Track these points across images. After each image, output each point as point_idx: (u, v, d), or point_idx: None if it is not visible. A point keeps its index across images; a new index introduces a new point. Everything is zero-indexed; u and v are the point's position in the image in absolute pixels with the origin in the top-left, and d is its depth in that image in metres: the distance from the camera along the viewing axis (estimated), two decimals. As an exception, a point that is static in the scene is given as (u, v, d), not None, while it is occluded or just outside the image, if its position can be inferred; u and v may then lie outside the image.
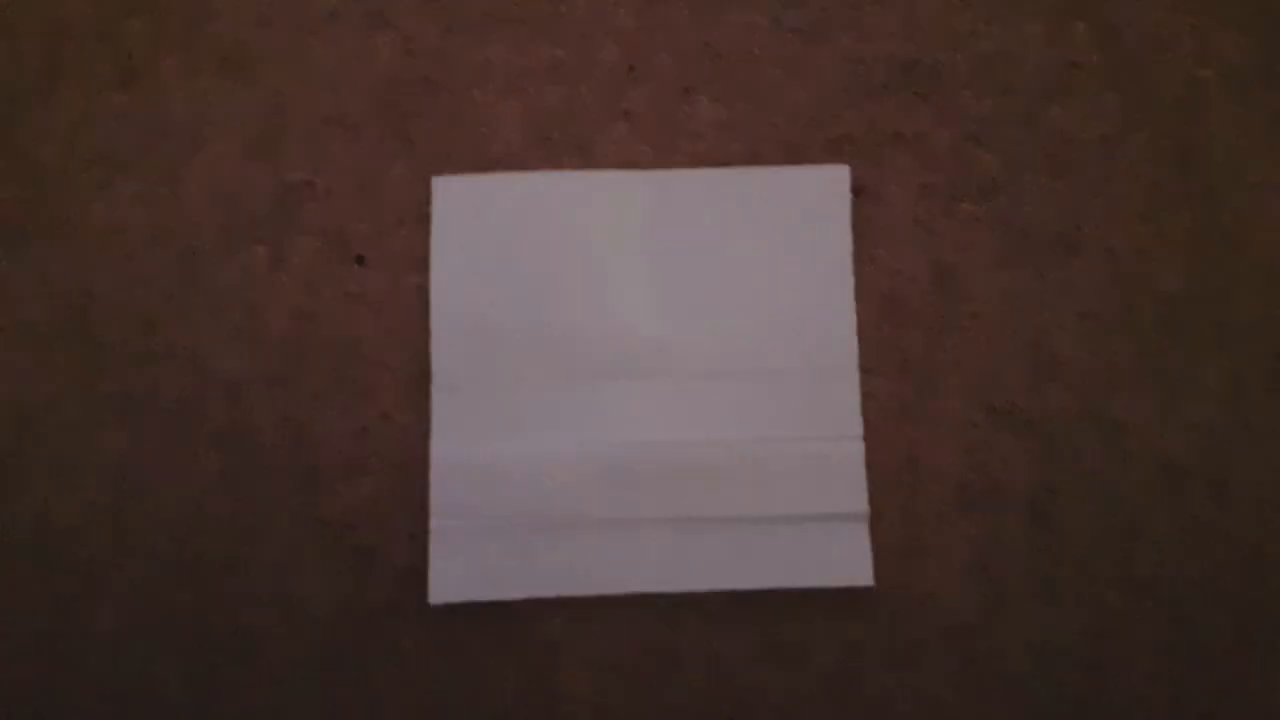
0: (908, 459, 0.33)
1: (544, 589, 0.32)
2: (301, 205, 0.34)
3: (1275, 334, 0.34)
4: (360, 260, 0.34)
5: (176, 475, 0.33)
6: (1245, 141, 0.35)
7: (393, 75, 0.35)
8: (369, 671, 0.33)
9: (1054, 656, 0.33)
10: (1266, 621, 0.33)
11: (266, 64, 0.35)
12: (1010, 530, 0.33)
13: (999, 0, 0.35)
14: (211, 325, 0.34)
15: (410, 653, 0.33)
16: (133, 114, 0.35)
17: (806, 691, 0.33)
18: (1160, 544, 0.33)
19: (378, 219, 0.34)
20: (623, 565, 0.33)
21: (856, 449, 0.33)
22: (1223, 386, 0.34)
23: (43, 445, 0.33)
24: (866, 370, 0.34)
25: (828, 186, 0.34)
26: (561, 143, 0.35)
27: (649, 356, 0.34)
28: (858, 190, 0.34)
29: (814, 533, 0.33)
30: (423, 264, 0.34)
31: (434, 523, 0.33)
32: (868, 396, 0.34)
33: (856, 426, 0.33)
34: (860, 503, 0.33)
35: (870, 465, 0.33)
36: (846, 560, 0.33)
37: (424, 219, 0.34)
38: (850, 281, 0.34)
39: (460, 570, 0.32)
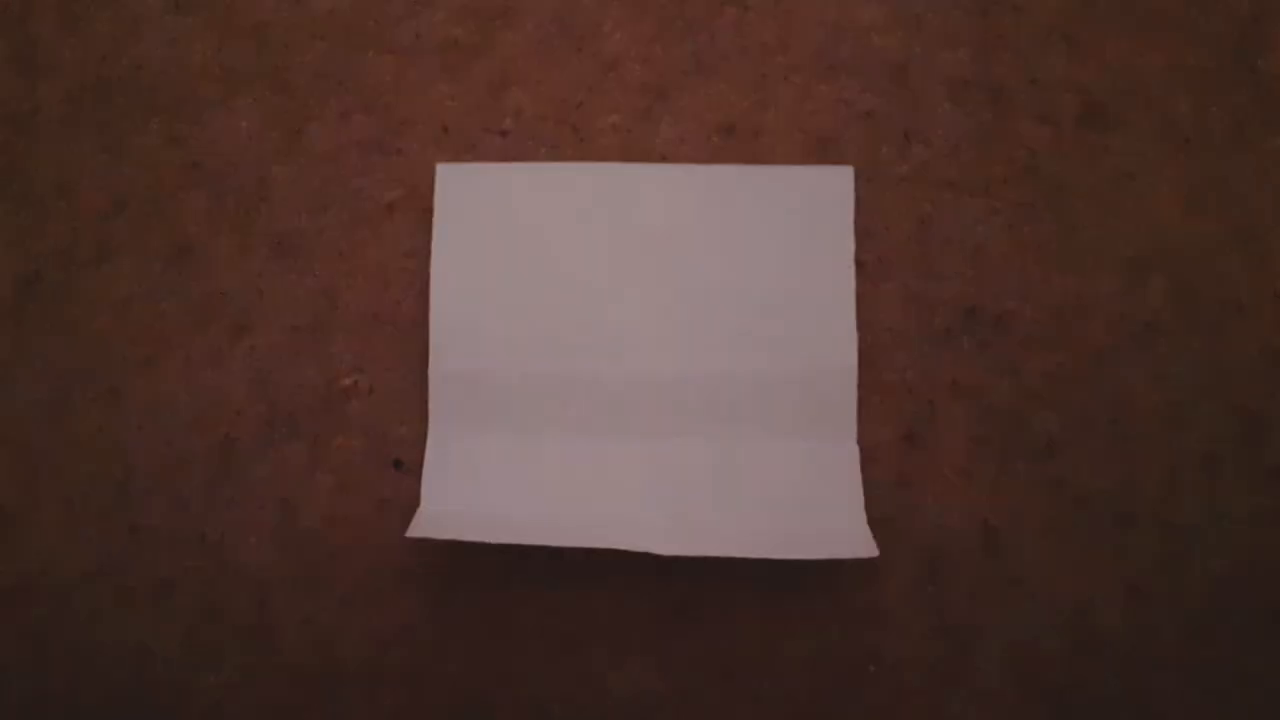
0: (934, 722, 0.33)
1: (531, 538, 0.32)
2: (345, 403, 0.34)
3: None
4: (398, 465, 0.34)
5: (197, 668, 0.33)
6: (1319, 421, 0.33)
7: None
8: None
9: None
10: None
11: (319, 252, 0.34)
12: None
13: (1073, 248, 0.34)
14: (243, 518, 0.34)
15: None
16: (183, 291, 0.35)
17: None
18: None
19: (419, 424, 0.34)
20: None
21: (851, 450, 0.33)
22: (1275, 682, 0.33)
23: (69, 625, 0.34)
24: (900, 626, 0.33)
25: (831, 186, 0.34)
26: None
27: (647, 350, 0.33)
28: (907, 437, 0.34)
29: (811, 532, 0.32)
30: (460, 474, 0.34)
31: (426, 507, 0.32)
32: (900, 656, 0.33)
33: (851, 429, 0.33)
34: (858, 511, 0.32)
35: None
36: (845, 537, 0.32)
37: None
38: (852, 283, 0.34)
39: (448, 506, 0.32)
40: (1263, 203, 0.34)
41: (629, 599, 0.33)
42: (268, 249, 0.35)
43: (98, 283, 0.35)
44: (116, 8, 0.35)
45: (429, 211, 0.35)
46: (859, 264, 0.34)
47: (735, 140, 0.35)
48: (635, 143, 0.35)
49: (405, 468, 0.34)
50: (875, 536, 0.33)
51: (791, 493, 0.33)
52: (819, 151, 0.34)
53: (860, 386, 0.34)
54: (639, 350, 0.34)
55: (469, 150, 0.35)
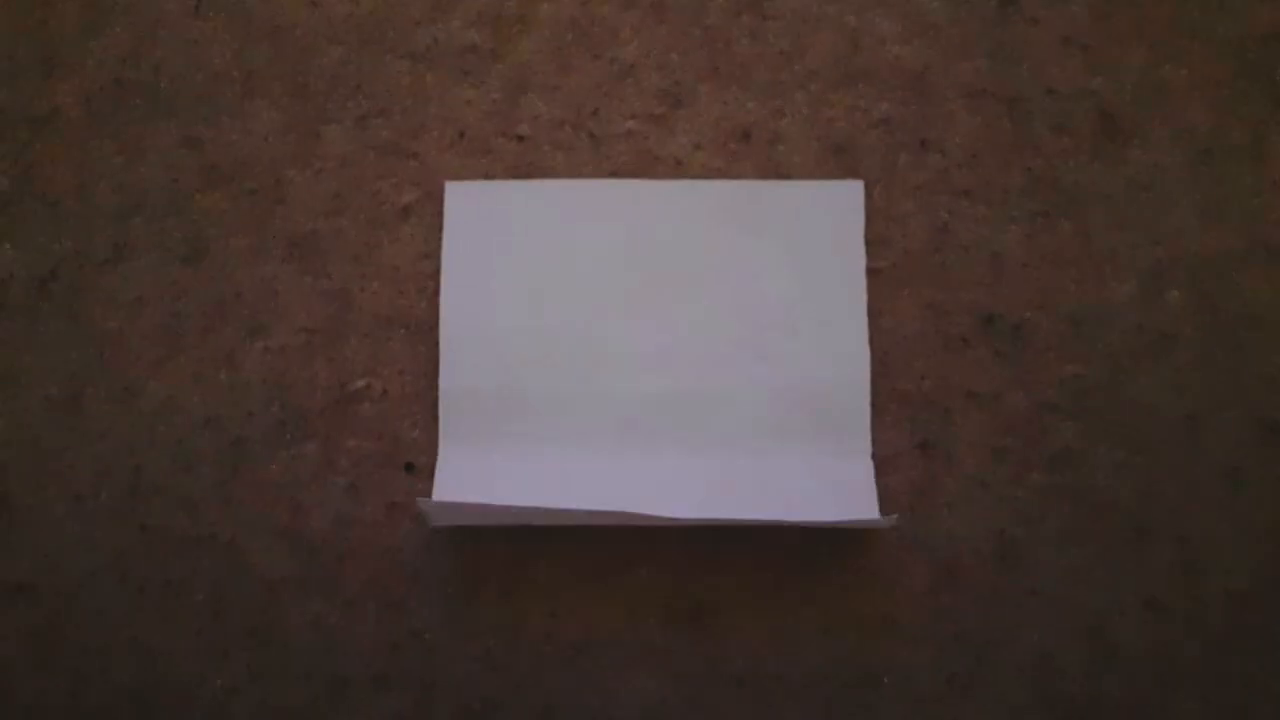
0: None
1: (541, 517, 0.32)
2: (357, 405, 0.34)
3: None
4: (409, 468, 0.34)
5: (205, 669, 0.33)
6: (1339, 434, 0.33)
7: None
8: None
9: None
10: None
11: (334, 255, 0.34)
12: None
13: (1091, 257, 0.34)
14: (254, 519, 0.34)
15: None
16: (197, 291, 0.34)
17: None
18: None
19: (431, 427, 0.34)
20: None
21: (866, 466, 0.33)
22: (1290, 698, 0.32)
23: (78, 623, 0.33)
24: (917, 638, 0.33)
25: (842, 200, 0.34)
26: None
27: (658, 365, 0.33)
28: (923, 446, 0.34)
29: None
30: (471, 477, 0.34)
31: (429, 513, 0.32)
32: (915, 666, 0.33)
33: (866, 444, 0.33)
34: (872, 509, 0.32)
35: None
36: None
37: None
38: (864, 297, 0.34)
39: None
40: (1281, 215, 0.34)
41: (639, 607, 0.33)
42: (283, 251, 0.35)
43: (113, 282, 0.35)
44: (136, 11, 0.36)
45: (444, 216, 0.35)
46: (875, 272, 0.34)
47: (751, 146, 0.35)
48: (651, 149, 0.35)
49: (417, 470, 0.34)
50: (890, 545, 0.32)
51: (805, 499, 0.32)
52: (835, 158, 0.34)
53: (876, 394, 0.33)
54: (650, 365, 0.33)
55: (485, 155, 0.35)
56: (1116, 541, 0.33)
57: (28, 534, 0.34)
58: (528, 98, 0.35)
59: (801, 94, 0.35)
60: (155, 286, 0.35)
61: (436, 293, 0.34)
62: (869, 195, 0.34)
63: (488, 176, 0.35)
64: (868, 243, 0.34)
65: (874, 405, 0.33)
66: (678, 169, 0.35)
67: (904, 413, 0.33)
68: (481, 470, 0.33)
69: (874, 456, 0.33)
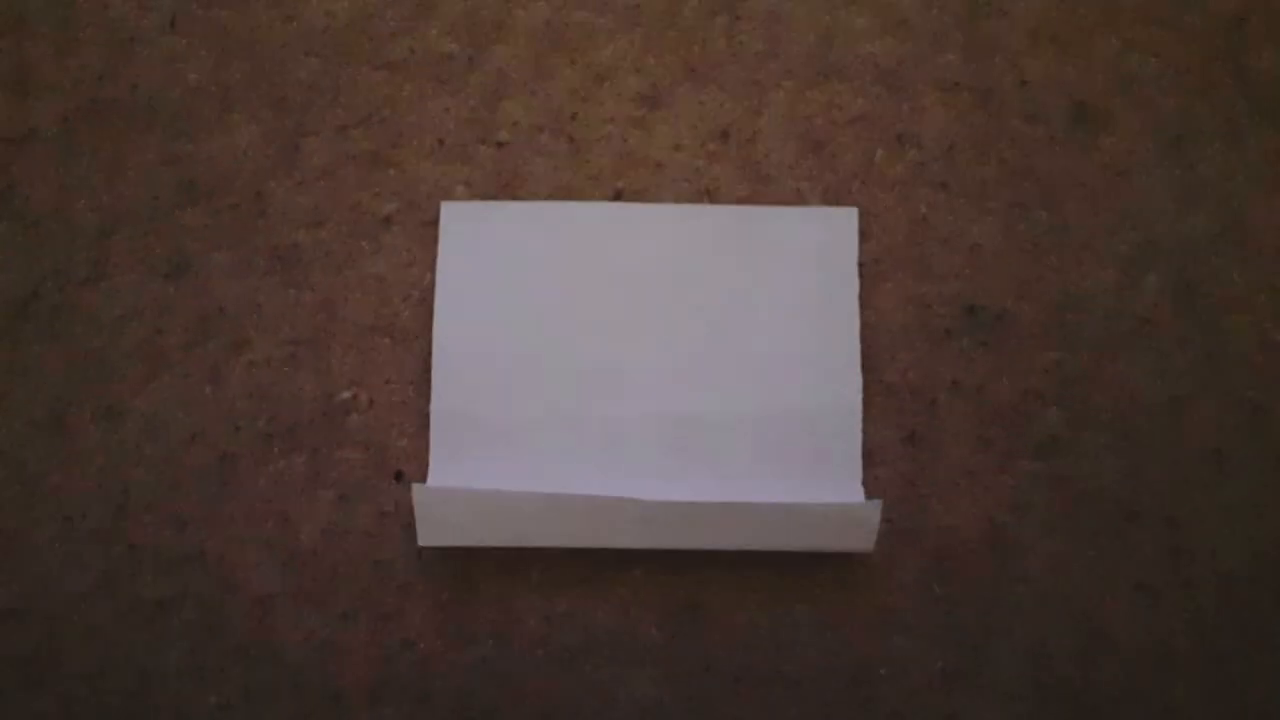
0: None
1: (536, 540, 0.32)
2: (344, 416, 0.34)
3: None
4: (399, 477, 0.34)
5: (199, 687, 0.33)
6: (1320, 412, 0.33)
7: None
8: None
9: None
10: None
11: (317, 266, 0.34)
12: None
13: (1069, 246, 0.34)
14: (243, 534, 0.33)
15: None
16: (180, 307, 0.34)
17: None
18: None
19: (420, 435, 0.34)
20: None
21: (856, 488, 0.33)
22: (1282, 676, 0.32)
23: (69, 645, 0.33)
24: (911, 630, 0.33)
25: (835, 227, 0.34)
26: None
27: (648, 391, 0.33)
28: (910, 437, 0.34)
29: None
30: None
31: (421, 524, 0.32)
32: (910, 658, 0.33)
33: (856, 471, 0.33)
34: (868, 542, 0.32)
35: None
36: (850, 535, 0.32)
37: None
38: (856, 323, 0.34)
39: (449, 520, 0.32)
40: (1254, 198, 0.35)
41: (634, 608, 0.33)
42: (265, 264, 0.34)
43: (94, 301, 0.34)
44: (111, 29, 0.36)
45: (427, 224, 0.35)
46: (858, 265, 0.34)
47: (730, 146, 0.35)
48: (631, 151, 0.35)
49: (406, 479, 0.34)
50: (881, 537, 0.33)
51: (795, 526, 0.32)
52: (813, 155, 0.35)
53: (863, 386, 0.33)
54: (641, 389, 0.33)
55: (465, 162, 0.35)
56: (1105, 527, 0.33)
57: (16, 557, 0.33)
58: (506, 104, 0.35)
59: (778, 92, 0.35)
60: (137, 304, 0.34)
61: (421, 301, 0.34)
62: (847, 190, 0.35)
63: (468, 184, 0.35)
64: (848, 238, 0.34)
65: (862, 397, 0.34)
66: (658, 170, 0.35)
67: (890, 405, 0.34)
68: (470, 491, 0.32)
69: (863, 457, 0.33)
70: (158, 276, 0.35)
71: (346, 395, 0.34)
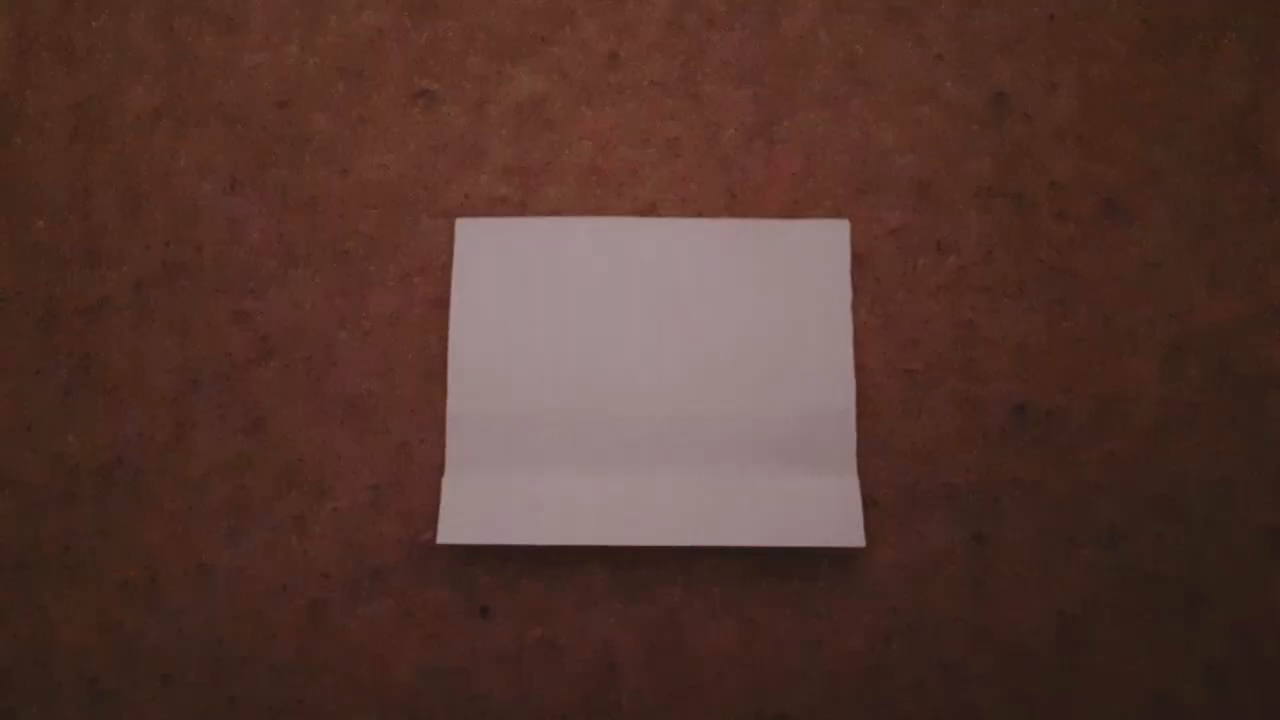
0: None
1: (545, 538, 0.34)
2: (428, 556, 0.35)
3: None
4: (484, 612, 0.35)
5: (307, 833, 0.34)
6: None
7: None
8: None
9: None
10: None
11: (389, 411, 0.36)
12: None
13: (1110, 338, 0.36)
14: (339, 679, 0.35)
15: None
16: (260, 462, 0.36)
17: None
18: None
19: (502, 569, 0.35)
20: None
21: (851, 481, 0.34)
22: (1355, 744, 0.33)
23: (176, 802, 0.34)
24: (991, 724, 0.34)
25: (829, 239, 0.36)
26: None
27: (654, 391, 0.35)
28: (977, 536, 0.35)
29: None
30: (547, 615, 0.35)
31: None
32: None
33: (851, 463, 0.34)
34: (857, 536, 0.34)
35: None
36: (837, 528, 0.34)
37: (545, 572, 0.35)
38: (849, 333, 0.35)
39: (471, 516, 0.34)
40: (1282, 275, 0.36)
41: (626, 614, 0.34)
42: (339, 414, 0.36)
43: (177, 462, 0.36)
44: (174, 193, 0.37)
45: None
46: (910, 373, 0.36)
47: (778, 267, 0.36)
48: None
49: (492, 614, 0.35)
50: (953, 638, 0.34)
51: (792, 513, 0.34)
52: (856, 268, 0.36)
53: (927, 492, 0.35)
54: (647, 393, 0.35)
55: (521, 296, 0.36)
56: (1171, 611, 0.34)
57: (119, 715, 0.35)
58: (556, 238, 0.37)
59: (817, 210, 0.37)
60: (219, 461, 0.36)
61: (492, 437, 0.36)
62: (893, 299, 0.36)
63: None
64: (900, 345, 0.36)
65: (925, 502, 0.35)
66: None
67: (954, 507, 0.35)
68: (487, 493, 0.35)
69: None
70: (237, 433, 0.36)
71: (428, 535, 0.35)
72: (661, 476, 0.35)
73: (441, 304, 0.36)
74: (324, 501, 0.35)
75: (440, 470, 0.35)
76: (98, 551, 0.35)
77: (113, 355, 0.36)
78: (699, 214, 0.37)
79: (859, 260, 0.36)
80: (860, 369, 0.36)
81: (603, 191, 0.37)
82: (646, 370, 0.35)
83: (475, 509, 0.34)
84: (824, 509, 0.34)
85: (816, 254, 0.36)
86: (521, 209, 0.37)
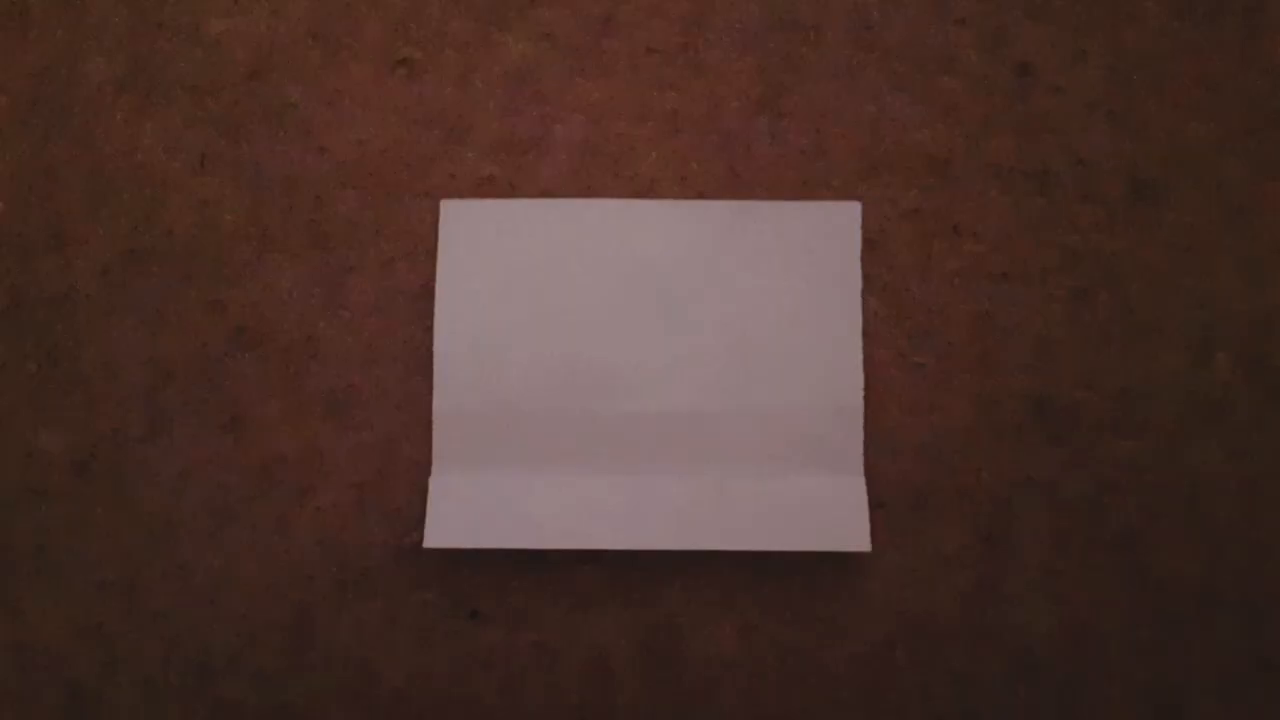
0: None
1: (538, 540, 0.33)
2: (415, 558, 0.34)
3: None
4: (474, 615, 0.34)
5: (297, 838, 0.33)
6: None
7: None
8: None
9: None
10: None
11: (373, 406, 0.34)
12: None
13: (1135, 329, 0.34)
14: (326, 684, 0.33)
15: None
16: (240, 459, 0.34)
17: None
18: None
19: (491, 570, 0.34)
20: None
21: (858, 483, 0.33)
22: (1375, 755, 0.32)
23: (164, 806, 0.34)
24: (998, 731, 0.33)
25: (839, 221, 0.34)
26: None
27: (652, 386, 0.34)
28: (988, 538, 0.33)
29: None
30: (537, 619, 0.34)
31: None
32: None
33: (858, 464, 0.33)
34: (863, 540, 0.32)
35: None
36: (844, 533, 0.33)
37: (536, 575, 0.34)
38: (859, 324, 0.34)
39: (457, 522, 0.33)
40: (1320, 259, 0.34)
41: (621, 618, 0.33)
42: (320, 410, 0.34)
43: (154, 458, 0.34)
44: (141, 172, 0.35)
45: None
46: (920, 366, 0.34)
47: (783, 253, 0.34)
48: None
49: (481, 617, 0.33)
50: (963, 643, 0.33)
51: (795, 515, 0.33)
52: (867, 252, 0.34)
53: (936, 491, 0.33)
54: (643, 387, 0.34)
55: (511, 281, 0.34)
56: (1187, 616, 0.33)
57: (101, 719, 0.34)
58: (548, 217, 0.35)
59: (826, 191, 0.34)
60: (197, 458, 0.34)
61: (481, 433, 0.34)
62: (905, 287, 0.34)
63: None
64: (912, 336, 0.34)
65: (934, 503, 0.33)
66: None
67: (965, 507, 0.33)
68: (476, 494, 0.33)
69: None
70: (214, 428, 0.34)
71: (415, 536, 0.34)
72: (658, 476, 0.33)
73: (426, 292, 0.34)
74: (307, 501, 0.34)
75: (427, 467, 0.34)
76: (73, 550, 0.34)
77: (82, 347, 0.34)
78: (699, 194, 0.34)
79: (870, 245, 0.34)
80: (868, 362, 0.34)
81: (597, 170, 0.34)
82: (643, 363, 0.34)
83: (463, 511, 0.33)
84: (828, 511, 0.33)
85: (825, 238, 0.34)
86: (510, 189, 0.34)
